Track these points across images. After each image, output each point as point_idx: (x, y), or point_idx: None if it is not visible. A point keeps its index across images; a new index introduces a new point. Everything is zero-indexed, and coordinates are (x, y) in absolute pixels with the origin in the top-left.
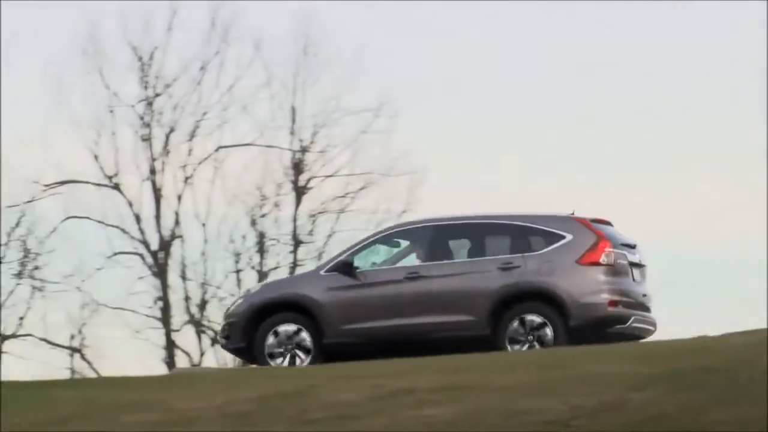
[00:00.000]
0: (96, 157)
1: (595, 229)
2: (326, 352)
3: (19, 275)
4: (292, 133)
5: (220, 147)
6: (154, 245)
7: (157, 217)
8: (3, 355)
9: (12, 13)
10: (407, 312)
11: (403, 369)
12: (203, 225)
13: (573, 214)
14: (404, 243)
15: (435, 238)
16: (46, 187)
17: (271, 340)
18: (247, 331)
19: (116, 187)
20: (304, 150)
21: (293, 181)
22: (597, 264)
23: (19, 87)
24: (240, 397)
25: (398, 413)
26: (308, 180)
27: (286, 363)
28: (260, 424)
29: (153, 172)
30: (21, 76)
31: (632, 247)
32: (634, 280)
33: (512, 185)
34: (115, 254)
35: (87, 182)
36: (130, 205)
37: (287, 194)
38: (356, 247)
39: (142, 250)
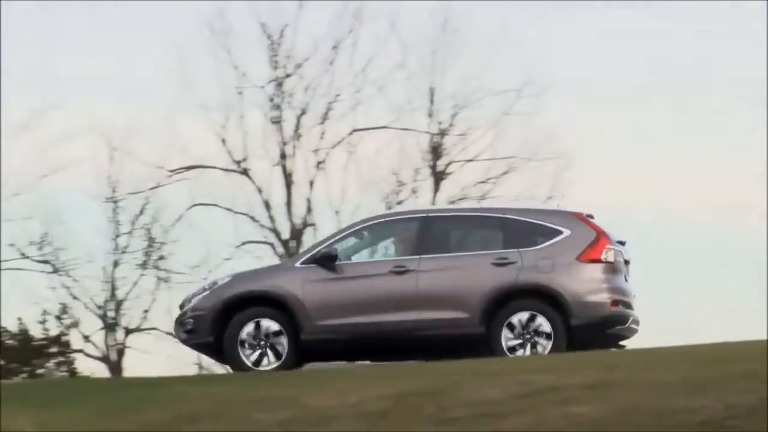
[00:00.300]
0: (224, 142)
1: (594, 225)
2: (304, 349)
3: (143, 266)
4: (430, 115)
5: (354, 130)
6: (285, 234)
7: (288, 204)
8: (127, 350)
9: None
10: (393, 308)
11: (550, 365)
12: (336, 213)
13: (558, 207)
14: (387, 235)
15: (422, 230)
16: (171, 173)
17: (245, 334)
18: (216, 326)
19: (245, 172)
20: (442, 133)
21: (431, 166)
22: (598, 261)
23: (144, 69)
24: (376, 394)
25: (544, 411)
26: (447, 165)
27: (254, 359)
28: (398, 423)
29: (283, 156)
30: (146, 58)
31: (623, 243)
32: (626, 278)
33: (663, 170)
34: (244, 243)
35: (214, 167)
36: (260, 191)
37: (425, 180)
38: (335, 238)
39: (272, 239)
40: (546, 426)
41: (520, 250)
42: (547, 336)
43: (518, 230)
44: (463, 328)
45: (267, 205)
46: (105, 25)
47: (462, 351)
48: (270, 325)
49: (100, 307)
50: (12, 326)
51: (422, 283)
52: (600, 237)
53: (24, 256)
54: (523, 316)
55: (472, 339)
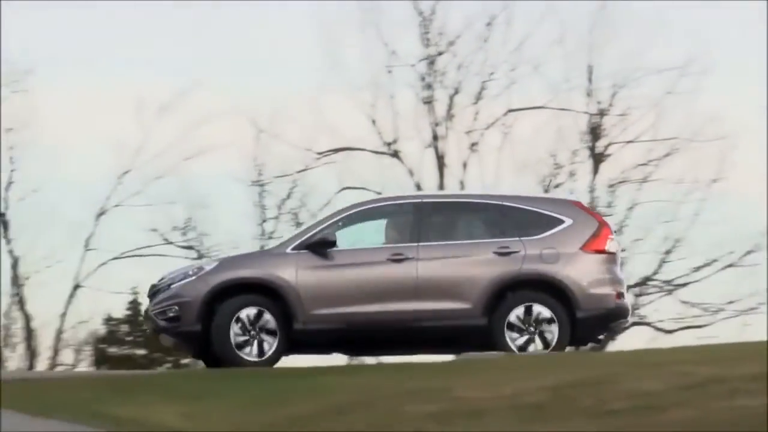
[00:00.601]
0: (373, 123)
1: (595, 214)
2: (296, 339)
3: None
4: (588, 94)
5: (509, 110)
6: None
7: (440, 187)
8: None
9: None
10: (391, 298)
11: (710, 356)
12: None
13: (555, 195)
14: (381, 222)
15: (419, 217)
16: (319, 156)
17: (235, 327)
18: (203, 314)
19: (395, 154)
20: (601, 113)
21: (590, 147)
22: (602, 252)
23: (291, 49)
24: (532, 386)
25: (708, 404)
26: (606, 146)
27: (255, 351)
28: (554, 415)
29: (435, 138)
30: (294, 38)
31: (615, 233)
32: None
33: None
34: None
35: (363, 150)
36: (411, 174)
37: (583, 162)
38: (326, 224)
39: None
40: (709, 420)
41: (523, 239)
42: (552, 329)
43: (518, 218)
44: (464, 320)
45: (418, 188)
46: (250, 5)
47: (463, 344)
48: (262, 313)
49: None
50: None
51: (422, 272)
52: (602, 227)
53: (167, 242)
54: (528, 308)
55: (473, 331)
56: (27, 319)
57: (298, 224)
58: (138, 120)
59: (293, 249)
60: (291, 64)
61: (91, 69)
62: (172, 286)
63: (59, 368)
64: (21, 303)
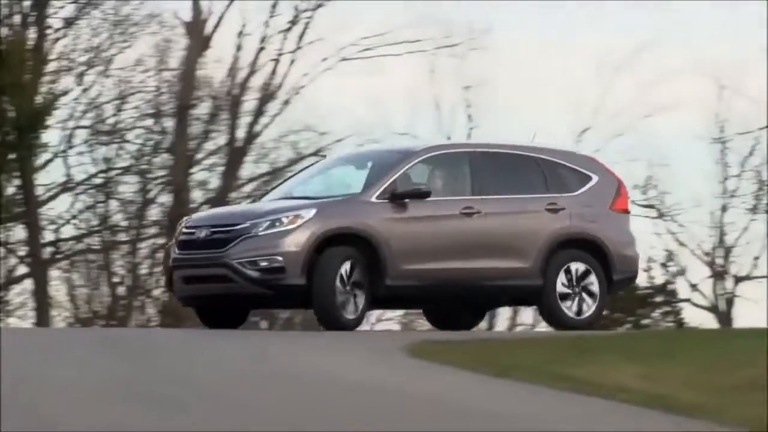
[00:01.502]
0: None
1: (612, 172)
2: (384, 295)
3: (753, 210)
4: None
5: None
6: None
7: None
8: (737, 299)
9: None
10: (465, 254)
11: None
12: None
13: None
14: (445, 170)
15: (475, 167)
16: None
17: (340, 276)
18: (309, 266)
19: None
20: None
21: None
22: (626, 212)
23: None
24: None
25: None
26: None
27: (351, 308)
28: None
29: None
30: None
31: None
32: None
33: None
34: None
35: None
36: None
37: None
38: (401, 170)
39: None
40: None
41: (563, 195)
42: (595, 289)
43: (554, 173)
44: (525, 280)
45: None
46: None
47: (522, 301)
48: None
49: (707, 254)
50: None
51: (490, 228)
52: (621, 185)
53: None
54: (578, 266)
55: (530, 291)
56: None
57: (761, 182)
58: (597, 77)
59: (378, 198)
60: (754, 19)
61: (550, 27)
62: (263, 233)
63: (518, 329)
64: None
